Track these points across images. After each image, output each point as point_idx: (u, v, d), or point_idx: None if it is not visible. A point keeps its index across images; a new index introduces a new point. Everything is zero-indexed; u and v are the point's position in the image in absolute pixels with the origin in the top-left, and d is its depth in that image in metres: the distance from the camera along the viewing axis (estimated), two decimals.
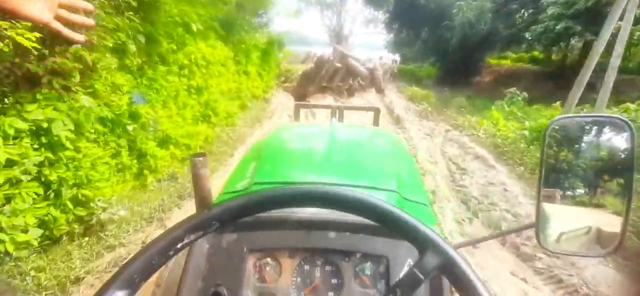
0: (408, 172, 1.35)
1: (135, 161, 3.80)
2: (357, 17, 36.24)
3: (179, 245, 0.48)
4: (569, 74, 19.35)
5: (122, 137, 3.67)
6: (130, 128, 3.70)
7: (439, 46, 21.85)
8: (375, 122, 2.58)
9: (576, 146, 0.93)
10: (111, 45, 3.51)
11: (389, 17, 23.80)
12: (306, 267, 0.79)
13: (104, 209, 2.90)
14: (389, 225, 0.48)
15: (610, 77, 9.82)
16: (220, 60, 6.62)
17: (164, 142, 4.26)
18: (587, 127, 0.95)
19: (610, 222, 0.81)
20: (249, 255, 0.79)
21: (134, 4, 4.01)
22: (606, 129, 0.91)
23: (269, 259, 0.80)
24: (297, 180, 1.10)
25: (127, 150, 3.72)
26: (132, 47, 3.80)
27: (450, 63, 22.88)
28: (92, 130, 3.23)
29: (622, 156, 0.83)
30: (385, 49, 36.52)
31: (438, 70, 25.69)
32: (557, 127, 0.90)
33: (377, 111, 2.64)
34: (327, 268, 0.79)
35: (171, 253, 0.48)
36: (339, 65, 12.62)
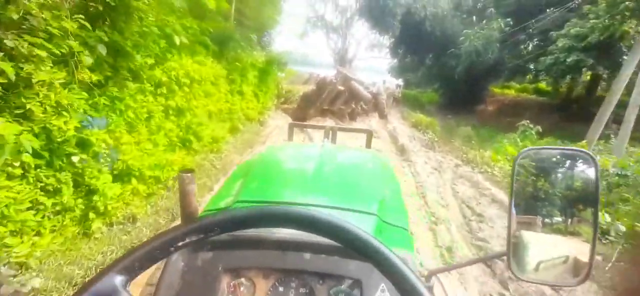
0: (391, 195, 1.36)
1: (80, 200, 3.02)
2: (362, 41, 36.26)
3: (180, 243, 0.48)
4: (574, 107, 18.92)
5: (64, 170, 2.90)
6: (76, 158, 2.94)
7: (443, 73, 21.46)
8: (368, 145, 2.66)
9: (547, 176, 0.94)
10: (57, 55, 2.80)
11: (394, 42, 23.50)
12: (280, 288, 0.79)
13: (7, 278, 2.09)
14: (387, 273, 0.46)
15: (632, 114, 9.19)
16: (209, 78, 5.92)
17: (123, 174, 3.49)
18: (554, 159, 0.98)
19: (584, 251, 0.83)
20: (223, 274, 0.78)
21: (100, 7, 3.34)
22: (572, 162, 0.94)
23: (243, 279, 0.80)
24: (280, 200, 1.11)
25: (71, 186, 2.95)
26: (88, 59, 3.09)
27: (454, 90, 22.48)
28: (17, 163, 2.47)
29: (588, 188, 0.87)
30: (389, 74, 36.41)
31: (441, 97, 25.27)
32: (525, 158, 0.91)
33: (369, 133, 2.76)
34: (301, 290, 0.80)
35: (172, 249, 0.48)
36: (341, 88, 12.01)
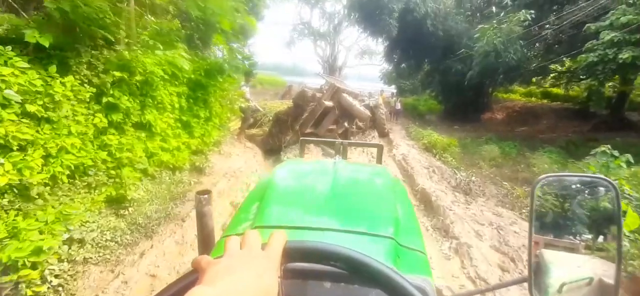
0: (406, 216, 1.34)
1: None
2: (352, 48, 33.59)
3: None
4: (602, 114, 16.08)
5: None
6: None
7: (446, 78, 18.50)
8: (378, 159, 2.70)
9: (567, 200, 0.92)
10: None
11: (389, 45, 20.52)
12: None
13: None
14: (386, 288, 0.49)
15: None
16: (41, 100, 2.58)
17: None
18: (574, 186, 0.95)
19: (609, 272, 0.82)
20: None
21: None
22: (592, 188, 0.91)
23: None
24: (298, 225, 1.10)
25: None
26: None
27: (458, 97, 19.57)
28: None
29: (609, 213, 0.85)
30: (381, 81, 33.60)
31: (444, 105, 22.36)
32: (543, 185, 0.87)
33: (380, 147, 2.83)
34: None
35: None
36: (329, 103, 8.74)
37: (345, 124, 9.92)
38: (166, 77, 4.49)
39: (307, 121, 8.33)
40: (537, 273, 0.80)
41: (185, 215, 4.43)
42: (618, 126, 14.39)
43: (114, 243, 3.55)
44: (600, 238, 0.88)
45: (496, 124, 19.88)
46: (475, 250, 4.07)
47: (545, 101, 23.15)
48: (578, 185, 0.95)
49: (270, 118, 9.17)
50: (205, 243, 1.96)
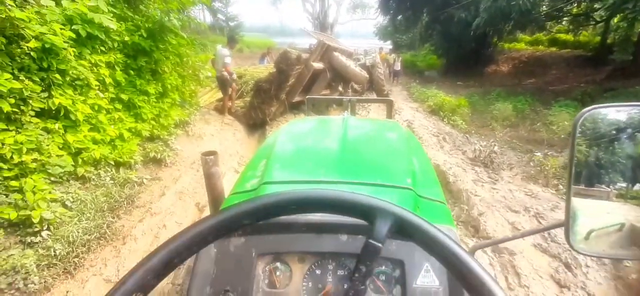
0: (422, 168, 1.28)
1: None
2: (343, 2, 31.20)
3: (203, 244, 0.44)
4: (619, 60, 14.64)
5: None
6: None
7: (449, 30, 16.85)
8: (389, 115, 2.62)
9: (611, 138, 0.85)
10: None
11: None
12: (317, 271, 0.77)
13: None
14: (334, 210, 0.47)
15: None
16: None
17: None
18: (623, 118, 0.86)
19: None
20: (258, 260, 0.77)
21: None
22: None
23: (278, 264, 0.78)
24: (308, 180, 1.04)
25: None
26: None
27: (461, 50, 18.04)
28: None
29: None
30: (376, 37, 31.64)
31: (445, 60, 20.80)
32: (588, 118, 0.79)
33: (390, 102, 2.74)
34: (340, 272, 0.77)
35: (194, 249, 0.43)
36: (319, 65, 7.37)
37: (340, 88, 8.62)
38: (83, 40, 3.17)
39: (295, 87, 7.01)
40: (574, 219, 0.74)
41: (128, 231, 3.31)
42: (638, 73, 13.11)
43: (11, 293, 2.45)
44: (637, 186, 0.78)
45: (502, 77, 18.48)
46: (520, 257, 3.02)
47: (553, 49, 21.60)
48: (628, 117, 0.82)
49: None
50: (216, 205, 1.82)
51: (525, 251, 3.11)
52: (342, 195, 0.46)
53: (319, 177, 1.05)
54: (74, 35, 3.13)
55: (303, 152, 1.38)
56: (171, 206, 3.78)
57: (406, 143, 1.52)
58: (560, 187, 4.68)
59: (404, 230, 0.43)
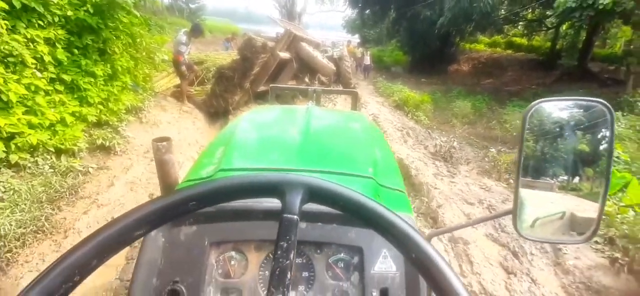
0: (384, 158, 1.28)
1: None
2: None
3: (134, 235, 0.39)
4: (567, 64, 15.81)
5: None
6: None
7: (414, 27, 17.28)
8: (353, 107, 2.63)
9: (555, 134, 0.91)
10: None
11: None
12: None
13: None
14: (241, 195, 0.44)
15: None
16: None
17: None
18: (567, 111, 0.92)
19: (583, 207, 0.82)
20: (210, 249, 0.72)
21: None
22: (585, 113, 0.88)
23: (233, 252, 0.74)
24: (265, 168, 1.01)
25: None
26: None
27: (425, 48, 18.59)
28: None
29: (601, 141, 0.84)
30: (344, 30, 31.76)
31: (410, 56, 21.33)
32: (535, 114, 0.83)
33: (355, 94, 2.74)
34: (298, 260, 0.74)
35: (122, 243, 0.38)
36: (285, 55, 7.23)
37: (306, 79, 8.53)
38: (18, 13, 2.82)
39: (260, 76, 6.82)
40: (521, 208, 0.79)
41: (71, 224, 3.03)
42: (581, 78, 14.26)
43: None
44: (577, 179, 0.86)
45: (463, 76, 19.33)
46: (473, 246, 3.16)
47: (509, 51, 22.94)
48: (572, 110, 0.89)
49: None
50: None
51: (478, 241, 3.25)
52: (247, 179, 0.45)
53: (279, 165, 1.03)
54: (6, 6, 2.77)
55: (264, 139, 1.36)
56: (121, 197, 3.52)
57: (369, 134, 1.52)
58: (511, 181, 4.96)
59: (317, 197, 0.43)
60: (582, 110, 0.88)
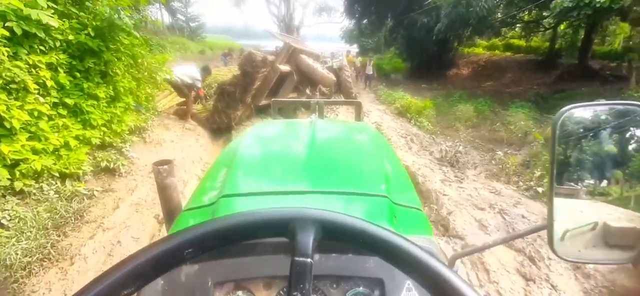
0: (395, 171, 1.22)
1: None
2: (309, 4, 31.28)
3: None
4: (565, 64, 15.80)
5: None
6: None
7: (412, 34, 17.38)
8: (357, 117, 2.56)
9: (580, 136, 0.85)
10: None
11: (349, 1, 18.82)
12: None
13: None
14: (245, 237, 0.40)
15: None
16: None
17: None
18: (601, 117, 0.86)
19: (616, 215, 0.76)
20: (214, 289, 0.66)
21: None
22: (621, 118, 0.83)
23: (240, 292, 0.68)
24: (274, 190, 0.94)
25: None
26: None
27: (424, 54, 18.66)
28: None
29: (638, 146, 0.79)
30: (342, 40, 32.00)
31: (409, 63, 21.40)
32: (567, 117, 0.78)
33: (358, 105, 2.65)
34: None
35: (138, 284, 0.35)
36: (285, 68, 7.25)
37: (307, 91, 8.54)
38: (19, 39, 2.82)
39: (261, 90, 6.83)
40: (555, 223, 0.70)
41: (77, 250, 2.98)
42: (582, 76, 14.20)
43: None
44: (604, 182, 0.78)
45: (463, 80, 19.33)
46: (488, 253, 3.08)
47: (508, 53, 22.97)
48: (606, 116, 0.83)
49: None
50: (172, 220, 1.57)
51: (493, 248, 3.17)
52: (250, 217, 0.40)
53: (286, 187, 0.96)
54: (7, 33, 2.78)
55: (268, 158, 1.29)
56: (127, 219, 3.48)
57: (377, 145, 1.46)
58: (521, 183, 4.88)
59: (331, 234, 0.39)
60: (614, 114, 0.83)
